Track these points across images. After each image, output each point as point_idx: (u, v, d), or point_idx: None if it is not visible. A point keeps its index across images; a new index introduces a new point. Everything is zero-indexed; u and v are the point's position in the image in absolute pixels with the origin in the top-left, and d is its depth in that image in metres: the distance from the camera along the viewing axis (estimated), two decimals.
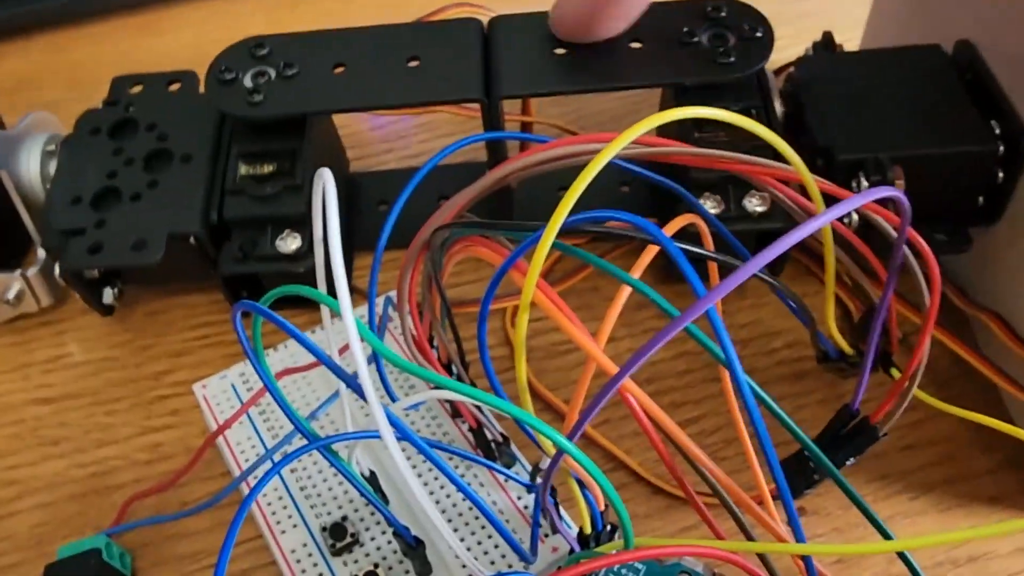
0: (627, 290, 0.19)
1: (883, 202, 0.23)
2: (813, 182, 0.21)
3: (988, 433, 0.30)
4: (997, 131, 0.29)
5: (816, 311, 0.27)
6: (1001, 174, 0.29)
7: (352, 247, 0.36)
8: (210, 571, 0.29)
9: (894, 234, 0.21)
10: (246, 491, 0.29)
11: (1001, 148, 0.29)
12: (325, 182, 0.20)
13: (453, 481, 0.21)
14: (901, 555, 0.19)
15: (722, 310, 0.34)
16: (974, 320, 0.32)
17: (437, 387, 0.20)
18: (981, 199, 0.30)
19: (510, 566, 0.27)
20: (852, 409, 0.26)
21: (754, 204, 0.30)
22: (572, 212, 0.18)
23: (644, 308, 0.34)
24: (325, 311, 0.25)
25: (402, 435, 0.20)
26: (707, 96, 0.31)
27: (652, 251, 0.20)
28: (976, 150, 0.29)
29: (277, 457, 0.30)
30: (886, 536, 0.19)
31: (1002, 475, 0.30)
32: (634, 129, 0.18)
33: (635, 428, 0.32)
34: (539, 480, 0.25)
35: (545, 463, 0.23)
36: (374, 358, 0.29)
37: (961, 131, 0.30)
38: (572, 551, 0.25)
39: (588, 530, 0.24)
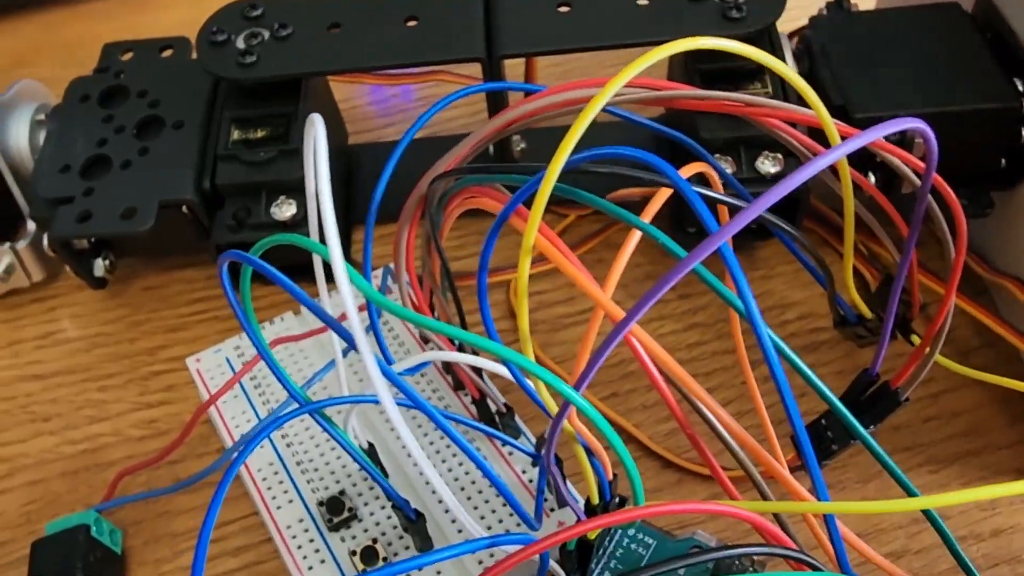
0: (636, 235, 0.18)
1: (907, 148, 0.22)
2: (829, 117, 0.19)
3: (1013, 404, 0.29)
4: (1020, 88, 0.28)
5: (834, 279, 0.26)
6: None
7: (351, 221, 0.35)
8: None
9: (917, 181, 0.20)
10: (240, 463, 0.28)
11: None
12: (316, 127, 0.18)
13: (456, 441, 0.20)
14: (928, 514, 0.18)
15: None
16: (995, 289, 0.31)
17: (432, 330, 0.19)
18: (1003, 160, 0.29)
19: None
20: (872, 374, 0.25)
21: (767, 166, 0.29)
22: None
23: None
24: (322, 283, 0.24)
25: (405, 395, 0.19)
26: (716, 55, 0.30)
27: (664, 194, 0.18)
28: (998, 107, 0.28)
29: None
30: (910, 493, 0.18)
31: None
32: (634, 65, 0.17)
33: (644, 401, 0.31)
34: (543, 450, 0.23)
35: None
36: (371, 327, 0.28)
37: (982, 88, 0.28)
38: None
39: (595, 500, 0.22)
